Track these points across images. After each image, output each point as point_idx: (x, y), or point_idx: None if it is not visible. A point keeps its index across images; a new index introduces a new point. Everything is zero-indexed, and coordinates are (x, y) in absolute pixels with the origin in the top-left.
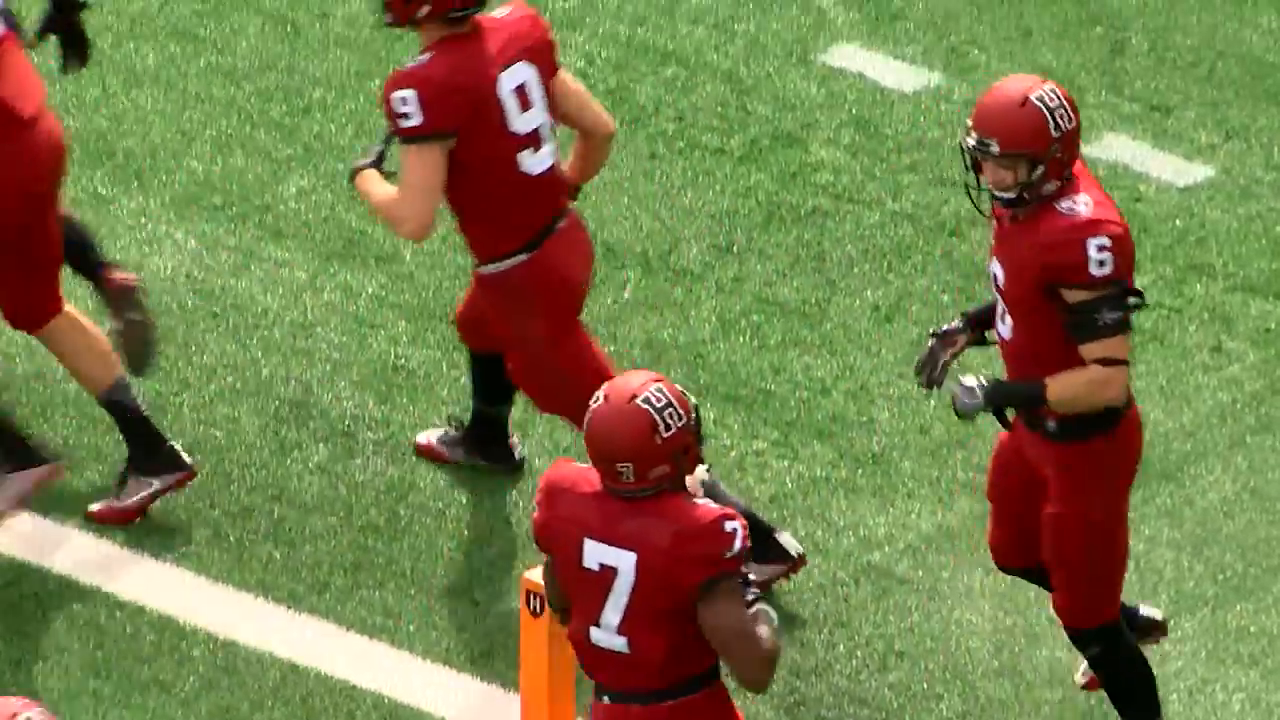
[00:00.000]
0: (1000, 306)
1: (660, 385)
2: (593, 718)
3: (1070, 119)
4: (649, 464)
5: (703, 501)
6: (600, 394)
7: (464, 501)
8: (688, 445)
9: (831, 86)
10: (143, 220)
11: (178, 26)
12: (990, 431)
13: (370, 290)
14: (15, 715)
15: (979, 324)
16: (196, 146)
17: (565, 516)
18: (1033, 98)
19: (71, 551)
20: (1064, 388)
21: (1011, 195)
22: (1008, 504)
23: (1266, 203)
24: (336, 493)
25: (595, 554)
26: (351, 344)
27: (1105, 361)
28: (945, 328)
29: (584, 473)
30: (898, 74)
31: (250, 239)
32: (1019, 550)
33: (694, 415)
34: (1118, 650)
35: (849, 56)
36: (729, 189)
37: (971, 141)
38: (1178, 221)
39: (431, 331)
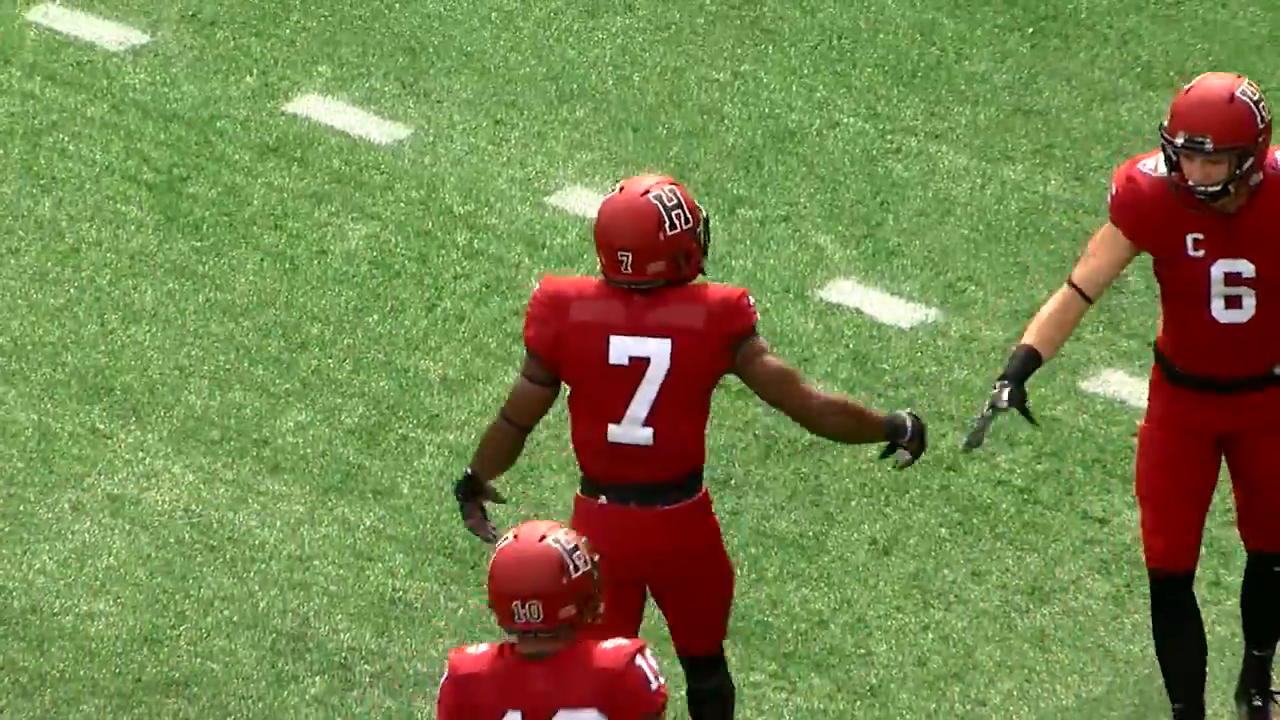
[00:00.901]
0: (1220, 301)
1: (673, 187)
2: (580, 515)
3: (1268, 109)
4: (648, 256)
5: (716, 284)
6: (618, 187)
7: None
8: (689, 250)
9: (829, 322)
10: (140, 455)
11: (176, 263)
12: (982, 655)
13: (368, 523)
14: (544, 537)
15: (1019, 381)
16: (194, 382)
17: (582, 321)
18: (1238, 94)
19: None
20: None
21: (1218, 189)
22: (1194, 501)
23: None
24: None
25: (623, 349)
26: (349, 577)
27: None
28: (995, 404)
29: (578, 281)
30: (895, 310)
31: (248, 473)
32: (1192, 546)
33: (702, 220)
34: None
35: (846, 292)
36: (726, 423)
37: (1180, 141)
38: None
39: (429, 564)
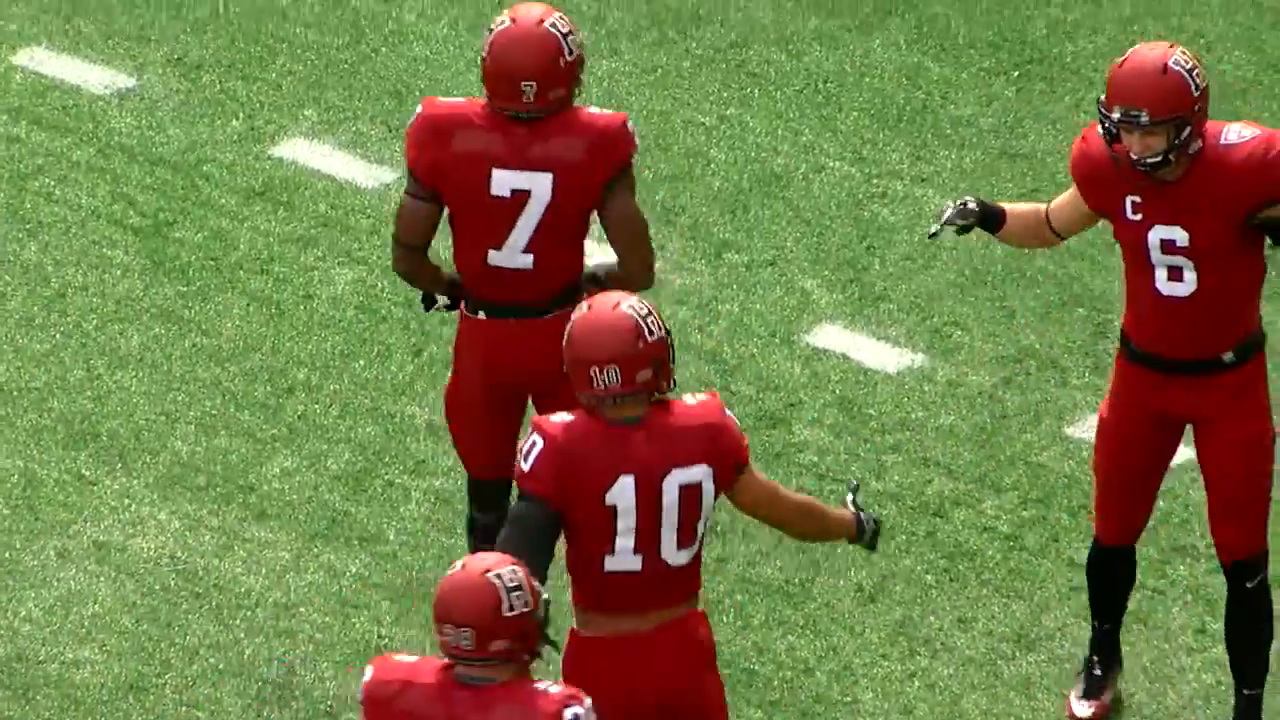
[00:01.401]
0: (1163, 270)
1: (560, 15)
2: (461, 329)
3: (1203, 75)
4: (551, 84)
5: (596, 110)
6: (505, 17)
7: None
8: (578, 76)
9: (815, 367)
10: (126, 501)
11: (163, 308)
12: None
13: (353, 570)
14: (618, 304)
15: (987, 207)
16: (180, 428)
17: (465, 151)
18: (1171, 64)
19: None
20: None
21: (1159, 159)
22: (1141, 479)
23: None
24: None
25: (505, 181)
26: (335, 624)
27: None
28: (966, 206)
29: (461, 106)
30: (881, 355)
31: (234, 520)
32: (1140, 522)
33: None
34: (1267, 583)
35: (833, 337)
36: None
37: (1117, 115)
38: (1161, 503)
39: (415, 611)
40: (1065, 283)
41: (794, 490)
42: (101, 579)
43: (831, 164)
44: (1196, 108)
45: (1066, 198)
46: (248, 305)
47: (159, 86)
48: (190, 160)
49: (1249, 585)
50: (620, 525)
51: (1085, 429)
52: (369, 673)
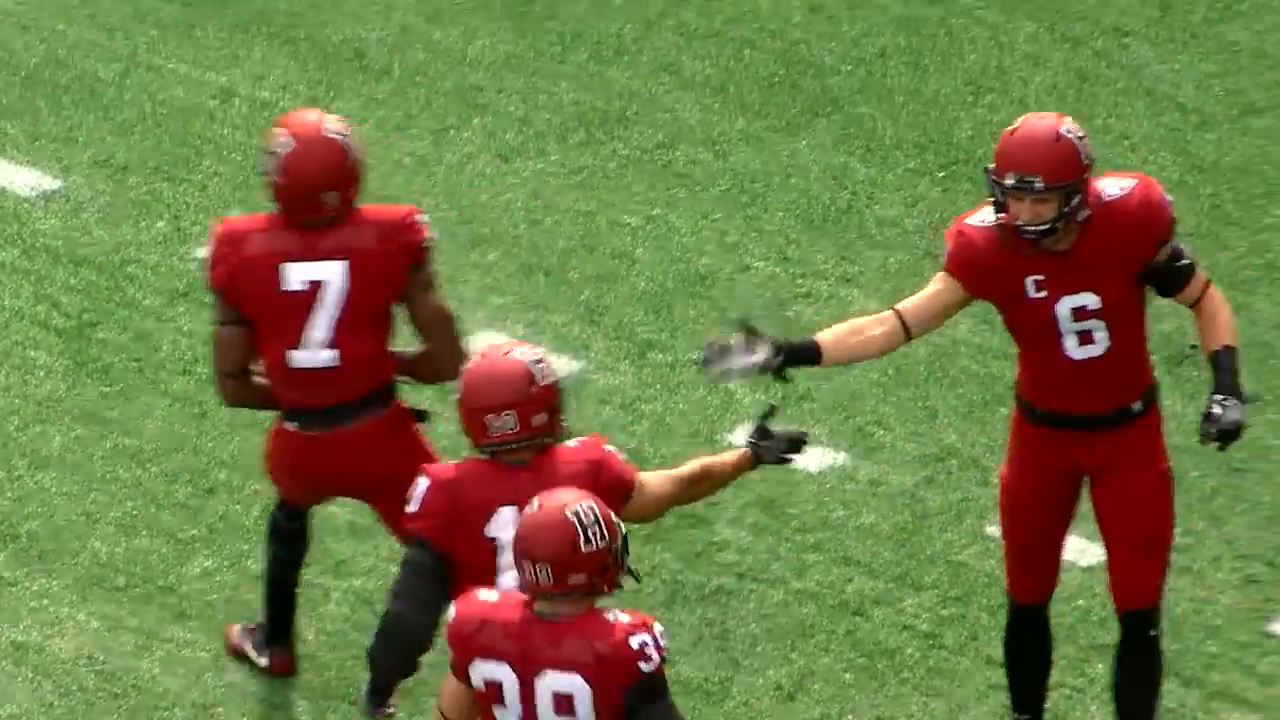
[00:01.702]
0: (1073, 338)
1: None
2: (273, 442)
3: (1090, 145)
4: (347, 189)
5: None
6: (285, 137)
7: None
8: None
9: None
10: (45, 602)
11: (85, 409)
12: None
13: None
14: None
15: (789, 355)
16: (101, 528)
17: (256, 254)
18: (1063, 132)
19: None
20: (1229, 325)
21: (1046, 227)
22: (1048, 536)
23: (1168, 583)
24: None
25: (298, 274)
26: None
27: (1205, 285)
28: (755, 354)
29: (254, 218)
30: (804, 453)
31: (153, 620)
32: (1052, 578)
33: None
34: (1160, 633)
35: None
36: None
37: (1011, 182)
38: (1080, 601)
39: (334, 711)
40: (988, 382)
41: (684, 473)
42: (19, 680)
43: (757, 264)
44: (1086, 175)
45: (930, 295)
46: (170, 406)
47: (85, 188)
48: (115, 261)
49: (1152, 634)
50: (502, 561)
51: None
52: (451, 611)
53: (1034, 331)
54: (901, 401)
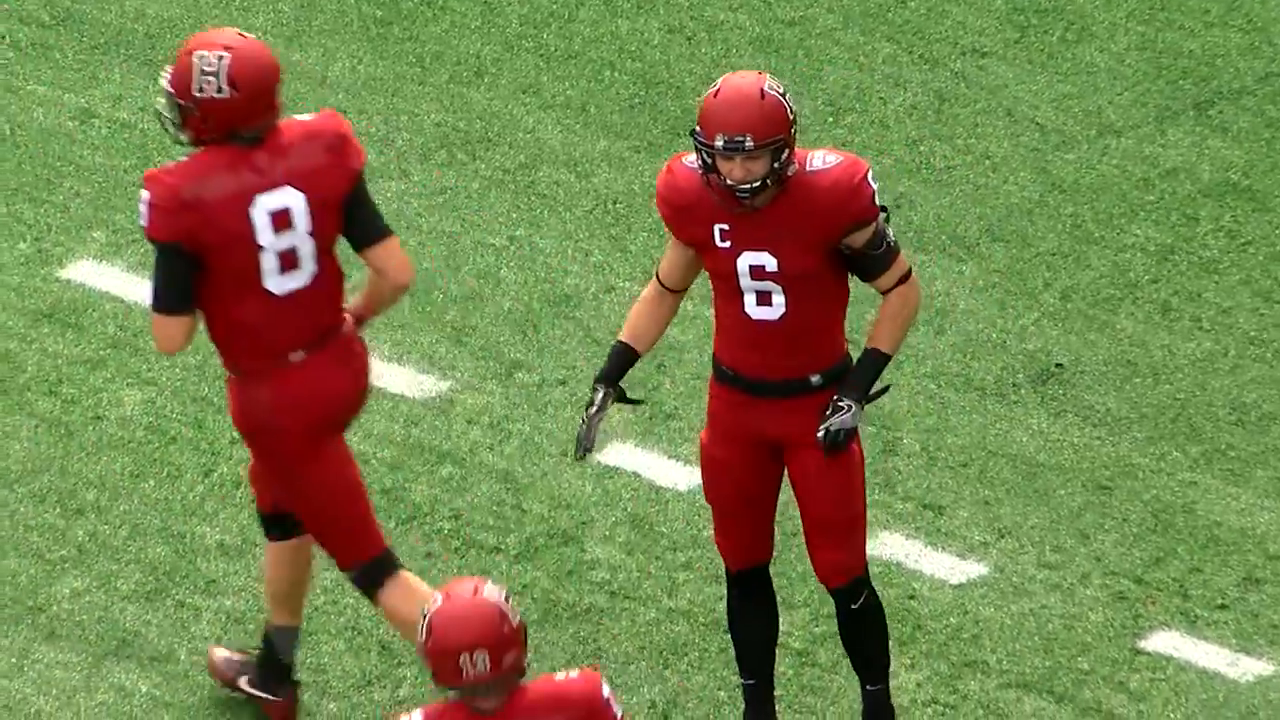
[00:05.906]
0: (752, 296)
1: None
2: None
3: (794, 101)
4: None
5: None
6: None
7: None
8: None
9: (607, 485)
10: None
11: None
12: None
13: (144, 690)
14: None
15: (614, 381)
16: None
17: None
18: (767, 89)
19: None
20: (898, 331)
21: (759, 184)
22: (749, 500)
23: (1039, 600)
24: None
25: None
26: None
27: (904, 279)
28: (594, 406)
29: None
30: (672, 472)
31: (23, 640)
32: (762, 543)
33: None
34: (874, 598)
35: (624, 455)
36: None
37: (720, 143)
38: (952, 619)
39: None
40: None
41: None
42: None
43: (621, 284)
44: (793, 130)
45: (671, 250)
46: (36, 427)
47: None
48: None
49: (854, 607)
50: None
51: (874, 546)
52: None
53: (720, 282)
54: None
